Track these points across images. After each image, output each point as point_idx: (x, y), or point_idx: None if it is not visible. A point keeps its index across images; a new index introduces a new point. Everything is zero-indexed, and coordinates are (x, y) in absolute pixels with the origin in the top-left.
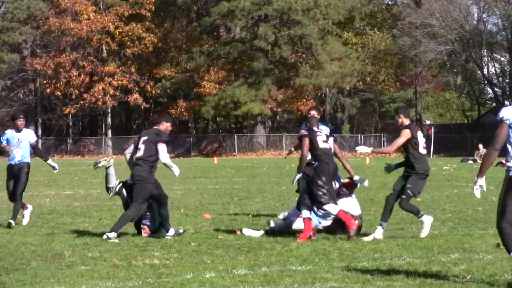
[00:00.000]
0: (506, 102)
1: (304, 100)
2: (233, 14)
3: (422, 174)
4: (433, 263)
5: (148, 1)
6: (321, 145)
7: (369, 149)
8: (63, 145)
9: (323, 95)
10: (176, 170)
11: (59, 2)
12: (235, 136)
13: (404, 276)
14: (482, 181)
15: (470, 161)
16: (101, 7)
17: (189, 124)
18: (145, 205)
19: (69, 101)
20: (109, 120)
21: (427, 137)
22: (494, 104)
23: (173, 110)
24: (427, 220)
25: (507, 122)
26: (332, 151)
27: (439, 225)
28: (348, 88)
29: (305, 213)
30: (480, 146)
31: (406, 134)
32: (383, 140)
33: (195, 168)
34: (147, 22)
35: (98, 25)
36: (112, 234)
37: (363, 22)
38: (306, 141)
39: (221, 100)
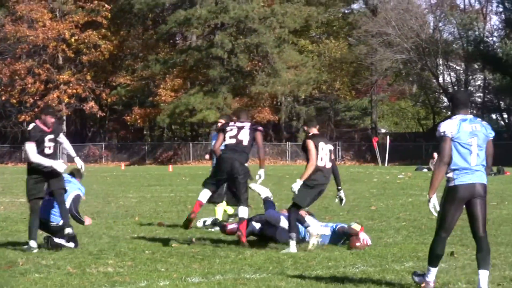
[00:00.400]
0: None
1: (260, 108)
2: (189, 22)
3: (310, 184)
4: (387, 272)
5: (104, 9)
6: (227, 140)
7: (300, 181)
8: (18, 153)
9: (279, 103)
10: (54, 164)
11: (15, 10)
12: (190, 144)
13: (358, 284)
14: (434, 198)
15: (425, 170)
16: (57, 15)
17: (144, 132)
18: (38, 202)
19: (24, 108)
20: (64, 127)
21: (382, 146)
22: (450, 113)
23: (128, 118)
24: (315, 231)
25: (449, 135)
26: (245, 142)
27: (393, 234)
28: (303, 97)
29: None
30: (435, 154)
31: (309, 144)
32: (339, 148)
33: (150, 176)
34: (103, 30)
35: (54, 33)
36: (32, 243)
37: (319, 30)
38: (220, 136)
39: (177, 108)
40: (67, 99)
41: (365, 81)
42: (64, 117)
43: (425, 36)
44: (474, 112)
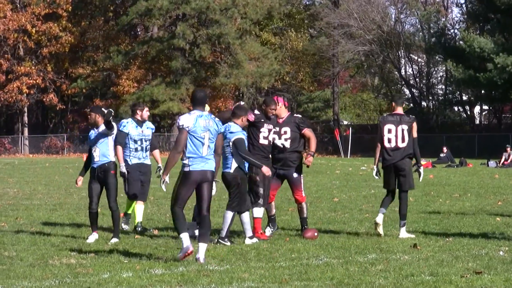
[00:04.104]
0: (423, 103)
1: (222, 99)
2: (150, 13)
3: None
4: (350, 263)
5: (65, 1)
6: None
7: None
8: None
9: (241, 95)
10: None
11: None
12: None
13: (321, 276)
14: (167, 178)
15: None
16: (18, 6)
17: None
18: None
19: None
20: (25, 118)
21: (345, 138)
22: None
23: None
24: None
25: (187, 128)
26: None
27: (356, 225)
28: (266, 88)
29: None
30: None
31: None
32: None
33: None
34: (63, 22)
35: (15, 24)
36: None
37: (281, 22)
38: None
39: (139, 99)
40: (25, 90)
41: (327, 73)
42: (25, 108)
43: (387, 28)
44: (436, 104)
